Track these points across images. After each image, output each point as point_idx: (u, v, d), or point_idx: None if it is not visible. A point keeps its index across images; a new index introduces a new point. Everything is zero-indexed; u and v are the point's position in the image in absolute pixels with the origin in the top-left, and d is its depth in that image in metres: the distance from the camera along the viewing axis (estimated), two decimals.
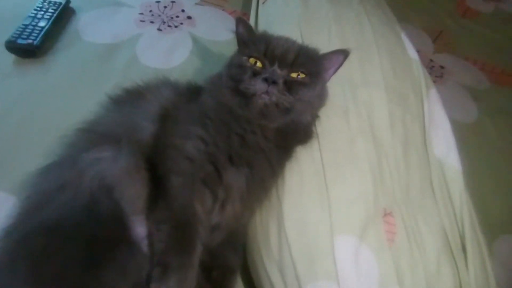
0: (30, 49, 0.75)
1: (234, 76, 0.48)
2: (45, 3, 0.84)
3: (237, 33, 0.54)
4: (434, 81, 0.96)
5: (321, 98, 0.52)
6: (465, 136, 0.83)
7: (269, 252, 0.45)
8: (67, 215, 0.41)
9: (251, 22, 0.84)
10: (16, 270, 0.40)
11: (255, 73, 0.46)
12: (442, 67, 1.05)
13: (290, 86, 0.46)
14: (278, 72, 0.46)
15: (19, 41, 0.74)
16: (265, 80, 0.45)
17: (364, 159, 0.48)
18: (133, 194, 0.45)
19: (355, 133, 0.50)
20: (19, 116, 0.67)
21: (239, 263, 0.51)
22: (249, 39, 0.52)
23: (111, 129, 0.50)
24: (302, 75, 0.48)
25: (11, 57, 0.75)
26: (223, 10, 1.01)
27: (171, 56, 0.85)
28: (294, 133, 0.49)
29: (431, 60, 1.06)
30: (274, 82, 0.45)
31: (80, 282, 0.39)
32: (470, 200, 0.51)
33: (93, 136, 0.50)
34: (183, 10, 0.97)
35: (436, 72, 1.03)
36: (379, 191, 0.45)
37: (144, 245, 0.45)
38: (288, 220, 0.44)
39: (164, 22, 0.93)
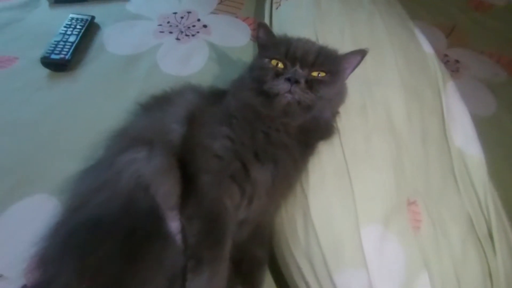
0: (63, 63, 0.80)
1: (257, 77, 0.51)
2: (73, 20, 0.90)
3: (258, 38, 0.57)
4: (450, 76, 0.97)
5: (340, 95, 0.54)
6: (484, 130, 0.82)
7: (297, 243, 0.47)
8: (107, 211, 0.44)
9: None
10: (64, 263, 0.43)
11: (278, 74, 0.49)
12: (457, 61, 1.04)
13: (311, 84, 0.49)
14: (300, 72, 0.49)
15: (53, 56, 0.80)
16: (288, 80, 0.47)
17: (384, 152, 0.49)
18: (166, 190, 0.48)
19: (373, 128, 0.52)
20: (53, 124, 0.72)
21: (266, 256, 0.53)
22: (270, 43, 0.54)
23: (143, 132, 0.53)
24: (322, 74, 0.50)
25: (44, 71, 0.81)
26: (236, 17, 1.05)
27: (189, 63, 0.89)
28: (315, 130, 0.51)
29: (446, 55, 1.06)
30: (297, 82, 0.47)
31: (121, 273, 0.42)
32: (494, 189, 0.52)
33: (126, 139, 0.53)
34: (198, 20, 1.02)
35: (451, 67, 1.02)
36: (401, 182, 0.47)
37: (178, 239, 0.48)
38: (315, 212, 0.46)
39: (182, 32, 0.98)
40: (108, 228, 0.43)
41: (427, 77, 0.62)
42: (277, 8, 0.86)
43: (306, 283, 0.44)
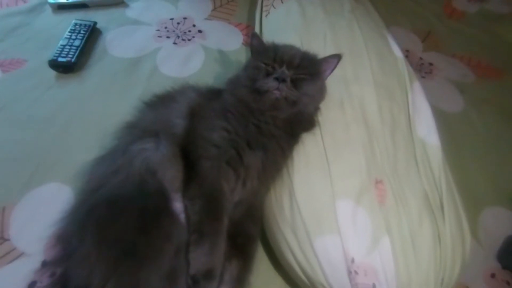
0: (69, 65, 0.87)
1: (250, 76, 0.59)
2: (77, 26, 0.96)
3: (252, 45, 0.66)
4: (424, 77, 1.07)
5: (321, 93, 0.63)
6: (452, 125, 0.93)
7: (283, 218, 0.55)
8: (122, 192, 0.52)
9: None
10: (85, 236, 0.50)
11: (268, 74, 0.58)
12: (431, 64, 1.14)
13: (296, 83, 0.58)
14: (286, 72, 0.58)
15: (60, 59, 0.87)
16: (276, 79, 0.56)
17: (358, 140, 0.58)
18: (172, 175, 0.56)
19: (350, 120, 0.61)
20: (64, 119, 0.79)
21: (258, 232, 0.61)
22: (261, 49, 0.64)
23: (150, 125, 0.61)
24: (305, 75, 0.59)
25: (53, 72, 0.88)
26: (229, 23, 1.12)
27: (187, 65, 0.96)
28: (300, 122, 0.60)
29: (421, 58, 1.16)
30: (284, 80, 0.56)
31: (135, 243, 0.49)
32: (450, 172, 0.61)
33: (136, 131, 0.61)
34: (194, 25, 1.09)
35: (425, 69, 1.12)
36: (371, 165, 0.56)
37: (182, 218, 0.56)
38: (298, 191, 0.55)
39: (179, 37, 1.05)
40: (124, 206, 0.50)
41: (396, 78, 0.71)
42: (266, 16, 0.94)
43: (291, 250, 0.53)
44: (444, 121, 0.89)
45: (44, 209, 0.62)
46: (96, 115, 0.80)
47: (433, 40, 1.23)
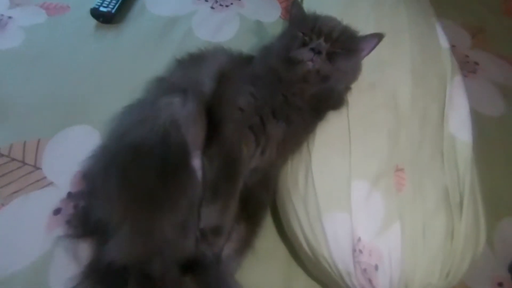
0: (109, 16, 0.89)
1: (285, 45, 0.58)
2: None
3: (291, 13, 0.64)
4: (466, 76, 1.01)
5: (355, 72, 0.61)
6: (488, 128, 0.88)
7: (296, 189, 0.55)
8: (147, 140, 0.54)
9: None
10: (108, 176, 0.53)
11: (304, 44, 0.56)
12: (476, 63, 1.07)
13: (331, 57, 0.56)
14: (323, 44, 0.56)
15: (101, 8, 0.89)
16: (312, 49, 0.55)
17: (384, 125, 0.57)
18: (195, 132, 0.57)
19: (380, 104, 0.59)
20: (98, 69, 0.82)
21: (269, 200, 0.62)
22: (301, 18, 0.62)
23: (179, 82, 0.62)
24: (342, 50, 0.57)
25: (93, 22, 0.90)
26: None
27: (221, 31, 0.96)
28: (328, 99, 0.59)
29: (467, 56, 1.08)
30: (319, 52, 0.55)
31: (154, 191, 0.52)
32: (478, 174, 0.59)
33: (166, 86, 0.63)
34: None
35: (469, 67, 1.05)
36: (394, 152, 0.54)
37: (199, 175, 0.58)
38: (315, 166, 0.55)
39: (217, 1, 1.04)
40: (148, 153, 0.53)
41: (437, 68, 0.67)
42: None
43: (299, 222, 0.53)
44: (481, 124, 0.85)
45: (74, 147, 0.67)
46: (129, 68, 0.83)
47: (483, 38, 1.15)
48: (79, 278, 0.52)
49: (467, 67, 1.05)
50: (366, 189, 0.51)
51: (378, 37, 0.59)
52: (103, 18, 0.90)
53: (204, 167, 0.58)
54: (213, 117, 0.59)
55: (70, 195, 0.62)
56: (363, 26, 0.66)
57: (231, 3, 1.05)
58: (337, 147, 0.55)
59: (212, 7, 1.02)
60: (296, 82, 0.57)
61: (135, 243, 0.50)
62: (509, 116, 0.93)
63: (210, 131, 0.59)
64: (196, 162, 0.58)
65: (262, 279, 0.58)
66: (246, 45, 0.93)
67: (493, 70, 1.05)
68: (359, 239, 0.48)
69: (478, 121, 0.85)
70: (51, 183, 0.63)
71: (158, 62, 0.72)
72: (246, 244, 0.58)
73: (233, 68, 0.63)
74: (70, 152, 0.66)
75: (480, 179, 0.59)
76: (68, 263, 0.54)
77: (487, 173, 0.72)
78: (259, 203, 0.61)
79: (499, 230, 0.70)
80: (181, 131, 0.56)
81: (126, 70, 0.82)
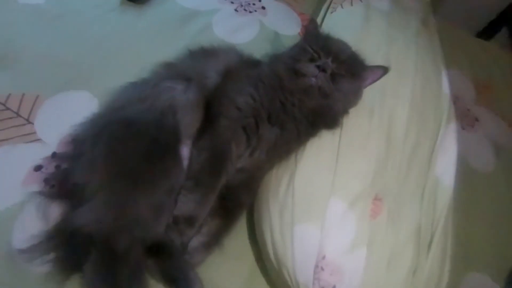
0: None
1: (294, 55, 0.60)
2: None
3: (307, 28, 0.67)
4: (464, 128, 1.03)
5: (355, 97, 0.63)
6: (476, 183, 0.90)
7: (275, 195, 0.56)
8: (142, 118, 0.55)
9: None
10: (98, 142, 0.54)
11: (312, 59, 0.58)
12: (476, 119, 1.09)
13: (334, 77, 0.58)
14: (329, 64, 0.57)
15: None
16: (318, 66, 0.56)
17: (374, 152, 0.58)
18: (190, 121, 0.58)
19: (373, 130, 0.60)
20: (113, 42, 0.84)
21: (248, 202, 0.63)
22: (314, 35, 0.64)
23: (186, 70, 0.64)
24: (346, 73, 0.59)
25: None
26: (293, 10, 1.12)
27: (239, 34, 0.98)
28: (324, 116, 0.60)
29: (468, 110, 1.10)
30: (324, 70, 0.56)
31: (137, 168, 0.53)
32: (455, 223, 0.60)
33: (172, 71, 0.64)
34: (260, 0, 1.11)
35: (468, 121, 1.06)
36: (377, 179, 0.55)
37: (185, 164, 0.58)
38: (298, 176, 0.55)
39: (242, 5, 1.07)
40: (139, 130, 0.54)
41: (435, 110, 0.69)
42: (331, 13, 0.94)
43: (271, 227, 0.54)
44: (470, 177, 0.87)
45: (70, 111, 0.68)
46: (141, 48, 0.85)
47: (488, 96, 1.17)
48: (42, 237, 0.51)
49: (466, 120, 1.06)
50: (342, 209, 0.52)
51: (383, 70, 0.61)
52: None
53: (191, 157, 0.59)
54: (210, 111, 0.60)
55: (54, 155, 0.62)
56: (372, 56, 0.68)
57: (255, 10, 1.07)
58: (324, 163, 0.56)
59: (236, 10, 1.05)
60: (297, 93, 0.58)
61: (107, 213, 0.50)
62: (498, 174, 0.95)
63: (205, 123, 0.60)
64: (185, 150, 0.59)
65: (223, 279, 0.58)
66: (260, 52, 0.96)
67: (491, 128, 1.07)
68: (324, 257, 0.48)
69: (468, 173, 0.87)
70: (39, 140, 0.64)
71: (170, 49, 0.74)
72: (215, 240, 0.58)
73: (240, 67, 0.65)
74: (65, 114, 0.66)
75: (457, 228, 0.60)
76: (35, 221, 0.53)
77: (465, 224, 0.73)
78: (237, 203, 0.61)
79: (465, 283, 0.70)
80: (176, 117, 0.57)
81: (138, 49, 0.84)
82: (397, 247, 0.50)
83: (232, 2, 1.07)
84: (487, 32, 1.56)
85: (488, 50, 1.33)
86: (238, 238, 0.62)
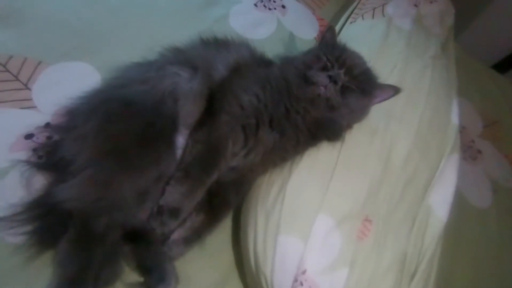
0: None
1: (307, 62, 0.58)
2: None
3: (324, 35, 0.65)
4: (466, 160, 1.01)
5: (361, 113, 0.61)
6: (469, 217, 0.88)
7: (265, 202, 0.55)
8: (141, 100, 0.54)
9: None
10: (90, 120, 0.52)
11: (324, 68, 0.56)
12: (479, 152, 1.07)
13: (344, 90, 0.56)
14: (342, 76, 0.56)
15: None
16: (329, 77, 0.55)
17: (370, 173, 0.56)
18: (190, 110, 0.57)
19: (373, 151, 0.59)
20: (125, 17, 0.82)
21: (236, 203, 0.61)
22: (330, 43, 0.62)
23: (194, 58, 0.62)
24: (357, 88, 0.57)
25: None
26: (313, 13, 1.10)
27: (255, 30, 0.96)
28: (327, 129, 0.59)
29: (473, 141, 1.09)
30: (335, 82, 0.55)
31: (127, 150, 0.51)
32: (442, 255, 0.59)
33: (180, 57, 0.62)
34: None
35: (471, 153, 1.05)
36: (369, 201, 0.54)
37: (178, 153, 0.57)
38: (290, 186, 0.54)
39: (262, 1, 1.05)
40: (137, 111, 0.52)
41: (440, 140, 0.68)
42: (351, 23, 0.92)
43: (255, 234, 0.53)
44: (465, 211, 0.86)
45: (71, 81, 0.66)
46: (154, 29, 0.82)
47: (495, 131, 1.16)
48: (22, 207, 0.50)
49: (469, 152, 1.05)
50: (329, 226, 0.50)
51: (395, 90, 0.60)
52: None
53: (186, 148, 0.57)
54: (213, 104, 0.59)
55: (48, 125, 0.61)
56: (386, 74, 0.67)
57: (275, 8, 1.05)
58: (318, 177, 0.55)
59: (255, 5, 1.03)
60: (303, 101, 0.57)
61: (90, 191, 0.49)
62: (492, 213, 0.94)
63: (205, 116, 0.58)
64: (180, 140, 0.58)
65: (198, 276, 0.57)
66: (273, 50, 0.94)
67: (493, 164, 1.05)
68: (304, 271, 0.47)
69: (462, 207, 0.86)
70: (34, 107, 0.62)
71: (183, 34, 0.71)
72: (197, 236, 0.57)
73: (250, 65, 0.64)
74: (65, 85, 0.64)
75: (442, 263, 0.59)
76: (17, 189, 0.52)
77: (452, 260, 0.72)
78: (225, 202, 0.60)
79: None
80: (177, 104, 0.56)
81: (150, 27, 0.82)
82: (379, 272, 0.49)
83: None
84: (502, 66, 1.54)
85: (501, 85, 1.31)
86: (221, 238, 0.61)
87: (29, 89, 0.64)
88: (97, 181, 0.49)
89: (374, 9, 0.90)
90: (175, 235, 0.55)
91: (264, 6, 1.04)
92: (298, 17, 1.07)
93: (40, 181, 0.53)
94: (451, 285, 0.72)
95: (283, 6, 1.06)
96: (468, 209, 0.90)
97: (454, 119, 0.74)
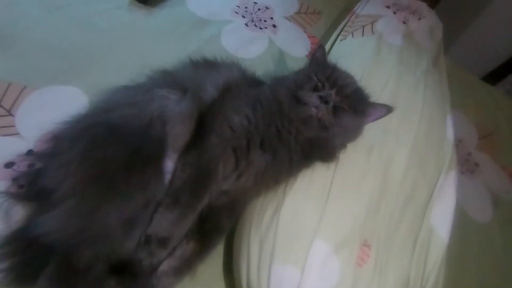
0: None
1: (298, 82, 0.57)
2: None
3: (315, 55, 0.64)
4: (463, 173, 1.00)
5: (355, 133, 0.60)
6: (471, 233, 0.86)
7: (258, 229, 0.52)
8: (128, 124, 0.52)
9: None
10: (75, 144, 0.50)
11: (315, 89, 0.56)
12: (476, 164, 1.06)
13: (336, 111, 0.55)
14: (333, 96, 0.55)
15: None
16: (320, 97, 0.54)
17: (368, 193, 0.54)
18: (179, 133, 0.55)
19: (370, 169, 0.57)
20: (114, 40, 0.81)
21: (228, 228, 0.58)
22: (321, 63, 0.61)
23: (183, 80, 0.61)
24: (349, 108, 0.56)
25: None
26: (304, 31, 1.11)
27: (246, 49, 0.96)
28: (320, 149, 0.57)
29: (469, 154, 1.08)
30: (326, 102, 0.54)
31: (113, 176, 0.49)
32: (446, 276, 0.56)
33: (168, 79, 0.61)
34: (272, 18, 1.09)
35: (468, 166, 1.04)
36: (368, 223, 0.52)
37: (166, 178, 0.55)
38: (284, 211, 0.52)
39: (253, 21, 1.06)
40: (123, 137, 0.50)
41: (437, 156, 0.66)
42: (341, 40, 0.92)
43: (248, 262, 0.50)
44: (465, 226, 0.84)
45: (57, 106, 0.64)
46: (144, 50, 0.82)
47: (491, 143, 1.15)
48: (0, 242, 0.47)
49: (466, 165, 1.04)
50: (327, 253, 0.48)
51: (387, 109, 0.59)
52: None
53: (175, 172, 0.55)
54: (202, 126, 0.57)
55: (30, 152, 0.58)
56: (379, 91, 0.66)
57: (266, 27, 1.06)
58: (313, 200, 0.53)
59: (246, 24, 1.04)
60: (295, 121, 0.55)
61: (73, 222, 0.46)
62: (494, 226, 0.91)
63: (195, 138, 0.56)
64: (169, 164, 0.55)
65: None
66: (265, 69, 0.94)
67: (491, 176, 1.04)
68: None
69: (463, 222, 0.83)
70: (16, 134, 0.60)
71: (173, 56, 0.71)
72: (187, 266, 0.54)
73: (240, 85, 0.62)
74: (51, 110, 0.62)
75: (446, 282, 0.56)
76: None
77: (456, 281, 0.69)
78: (217, 228, 0.57)
79: None
80: (165, 128, 0.54)
81: (140, 50, 0.82)
82: None
83: (243, 17, 1.06)
84: (492, 77, 1.56)
85: (494, 96, 1.32)
86: (213, 266, 0.58)
87: (12, 115, 0.62)
88: (81, 211, 0.46)
89: (363, 26, 0.91)
90: (164, 266, 0.52)
91: (255, 25, 1.05)
92: (289, 35, 1.07)
93: (20, 212, 0.50)
94: None
95: (274, 26, 1.07)
96: (470, 224, 0.88)
97: (449, 135, 0.73)
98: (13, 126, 0.61)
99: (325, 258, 0.47)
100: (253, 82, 0.65)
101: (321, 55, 0.64)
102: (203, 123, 0.57)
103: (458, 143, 1.05)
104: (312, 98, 0.54)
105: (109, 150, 0.49)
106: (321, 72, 0.58)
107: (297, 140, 0.56)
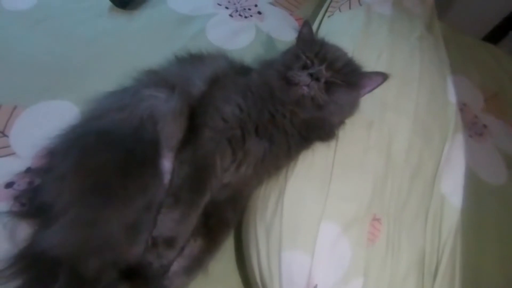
0: (124, 1, 0.89)
1: (286, 62, 0.55)
2: None
3: (301, 32, 0.61)
4: (471, 136, 0.97)
5: (352, 107, 0.58)
6: (486, 196, 0.83)
7: (263, 218, 0.51)
8: (119, 128, 0.51)
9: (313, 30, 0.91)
10: (68, 156, 0.50)
11: (304, 67, 0.53)
12: (485, 126, 1.03)
13: (329, 87, 0.53)
14: (323, 72, 0.53)
15: None
16: (310, 75, 0.52)
17: (372, 169, 0.52)
18: (171, 131, 0.54)
19: (372, 145, 0.55)
20: (98, 48, 0.80)
21: (235, 221, 0.58)
22: (308, 40, 0.59)
23: (170, 77, 0.60)
24: (342, 82, 0.54)
25: (108, 3, 0.89)
26: (291, 14, 1.08)
27: (233, 40, 0.94)
28: (318, 129, 0.55)
29: (476, 117, 1.05)
30: (317, 79, 0.51)
31: (110, 183, 0.48)
32: (463, 245, 0.54)
33: (155, 78, 0.60)
34: (256, 5, 1.06)
35: (477, 129, 1.01)
36: (375, 199, 0.50)
37: (166, 178, 0.54)
38: (288, 196, 0.50)
39: (237, 11, 1.03)
40: (116, 142, 0.49)
41: (440, 123, 0.64)
42: (329, 17, 0.89)
43: (258, 252, 0.49)
44: (479, 191, 0.81)
45: (49, 121, 0.63)
46: (129, 55, 0.81)
47: (497, 103, 1.11)
48: (7, 262, 0.47)
49: (474, 128, 1.01)
50: (335, 234, 0.46)
51: (382, 76, 0.56)
52: (119, 2, 0.89)
53: (173, 171, 0.54)
54: (195, 121, 0.56)
55: (28, 170, 0.58)
56: (373, 63, 0.63)
57: (251, 15, 1.03)
58: (316, 182, 0.51)
59: (230, 15, 1.01)
60: (288, 103, 0.54)
61: (75, 233, 0.46)
62: (510, 186, 0.88)
63: (189, 134, 0.55)
64: (166, 164, 0.54)
65: None
66: (255, 57, 0.92)
67: (501, 137, 1.01)
68: (315, 287, 0.43)
69: (476, 186, 0.81)
70: (13, 154, 0.60)
71: (160, 56, 0.69)
72: (198, 264, 0.53)
73: (228, 74, 0.61)
74: (44, 126, 0.61)
75: (465, 250, 0.54)
76: (1, 243, 0.49)
77: (474, 246, 0.67)
78: (223, 222, 0.56)
79: None
80: (156, 128, 0.53)
81: (126, 55, 0.80)
82: (398, 277, 0.44)
83: (227, 8, 1.03)
84: (493, 37, 1.51)
85: (496, 55, 1.28)
86: (224, 261, 0.57)
87: (6, 136, 0.62)
88: (81, 221, 0.46)
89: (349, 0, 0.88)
90: (175, 266, 0.51)
91: (240, 15, 1.02)
92: (276, 21, 1.05)
93: (25, 230, 0.50)
94: (480, 275, 0.66)
95: (259, 13, 1.05)
96: (484, 188, 0.85)
97: (451, 98, 0.70)
98: (9, 146, 0.61)
99: (335, 239, 0.46)
100: (241, 69, 0.64)
101: (307, 32, 0.61)
102: (195, 118, 0.56)
103: (463, 106, 1.02)
104: (302, 77, 0.52)
105: (102, 157, 0.48)
106: (309, 49, 0.55)
107: (293, 123, 0.54)
